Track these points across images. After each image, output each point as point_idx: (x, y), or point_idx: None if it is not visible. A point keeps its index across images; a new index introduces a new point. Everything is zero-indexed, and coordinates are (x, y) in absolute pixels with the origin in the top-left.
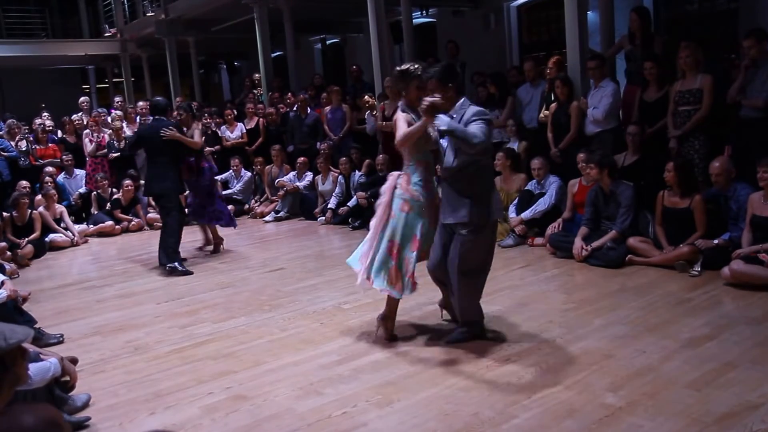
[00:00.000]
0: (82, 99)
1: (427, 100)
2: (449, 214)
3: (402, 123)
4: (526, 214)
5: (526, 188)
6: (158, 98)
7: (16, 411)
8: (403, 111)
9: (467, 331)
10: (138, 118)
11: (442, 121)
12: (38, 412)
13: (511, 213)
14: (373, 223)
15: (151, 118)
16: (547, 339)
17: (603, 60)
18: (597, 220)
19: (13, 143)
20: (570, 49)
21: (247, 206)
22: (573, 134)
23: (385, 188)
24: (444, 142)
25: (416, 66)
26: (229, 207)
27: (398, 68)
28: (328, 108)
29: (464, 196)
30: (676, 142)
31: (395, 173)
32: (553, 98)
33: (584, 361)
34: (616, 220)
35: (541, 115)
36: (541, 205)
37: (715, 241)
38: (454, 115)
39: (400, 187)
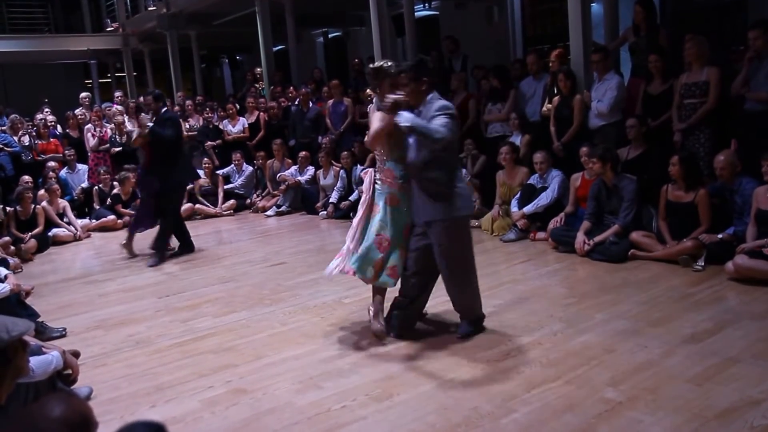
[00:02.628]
0: (83, 94)
1: (390, 97)
2: (422, 212)
3: (376, 121)
4: (528, 209)
5: (528, 182)
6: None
7: (48, 399)
8: (378, 109)
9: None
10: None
11: (404, 117)
12: (69, 404)
13: (513, 207)
14: (354, 222)
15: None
16: (547, 333)
17: (607, 53)
18: (600, 214)
19: (16, 138)
20: (573, 42)
21: (248, 200)
22: (576, 128)
23: (364, 187)
24: (410, 140)
25: (389, 63)
26: (231, 201)
27: (371, 66)
28: (330, 102)
29: (432, 192)
30: (680, 136)
31: (370, 170)
32: (556, 91)
33: (585, 356)
34: (619, 215)
35: (544, 108)
36: (543, 199)
37: (720, 236)
38: (422, 109)
39: (383, 182)
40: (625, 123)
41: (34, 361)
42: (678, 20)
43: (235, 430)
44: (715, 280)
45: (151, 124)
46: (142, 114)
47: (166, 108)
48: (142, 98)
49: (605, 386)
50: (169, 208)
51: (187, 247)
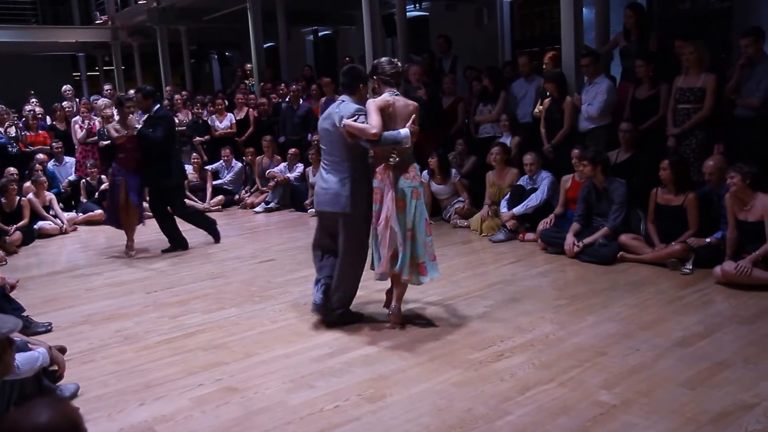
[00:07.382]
0: (65, 87)
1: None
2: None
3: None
4: (518, 210)
5: (517, 183)
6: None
7: (34, 405)
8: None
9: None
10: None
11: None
12: (57, 409)
13: (503, 208)
14: (382, 220)
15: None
16: (539, 335)
17: (597, 56)
18: (589, 216)
19: (2, 129)
20: (565, 45)
21: (237, 197)
22: (566, 130)
23: (384, 184)
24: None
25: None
26: (219, 197)
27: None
28: (323, 99)
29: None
30: (674, 140)
31: (381, 168)
32: (548, 93)
33: (577, 358)
34: (609, 217)
35: (536, 110)
36: (533, 200)
37: (708, 240)
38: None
39: (406, 178)
40: (616, 126)
41: (19, 357)
42: (664, 26)
43: (226, 429)
44: (703, 284)
45: (138, 126)
46: (131, 116)
47: (159, 106)
48: (132, 92)
49: (599, 389)
50: (174, 205)
51: (180, 244)
